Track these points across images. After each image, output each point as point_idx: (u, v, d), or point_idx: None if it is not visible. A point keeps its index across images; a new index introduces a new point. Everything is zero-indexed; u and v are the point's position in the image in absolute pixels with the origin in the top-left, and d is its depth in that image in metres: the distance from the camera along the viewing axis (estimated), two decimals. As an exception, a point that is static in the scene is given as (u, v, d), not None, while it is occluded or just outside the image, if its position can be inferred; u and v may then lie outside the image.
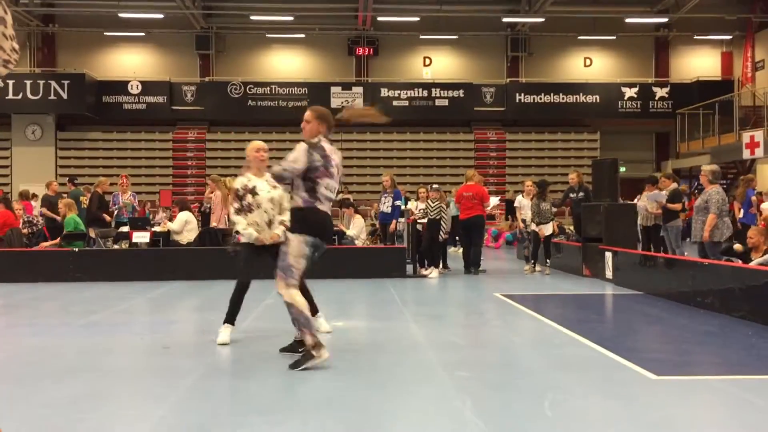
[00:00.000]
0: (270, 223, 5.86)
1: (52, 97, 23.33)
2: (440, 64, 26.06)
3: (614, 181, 11.37)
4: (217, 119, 25.08)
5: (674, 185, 11.85)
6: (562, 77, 25.82)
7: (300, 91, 24.50)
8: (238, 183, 5.95)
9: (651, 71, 26.38)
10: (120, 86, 24.38)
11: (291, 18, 24.59)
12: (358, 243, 12.85)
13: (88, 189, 15.27)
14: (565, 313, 8.00)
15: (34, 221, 13.82)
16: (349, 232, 12.90)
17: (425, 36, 25.67)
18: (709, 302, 7.51)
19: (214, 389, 4.51)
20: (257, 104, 24.47)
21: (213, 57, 25.67)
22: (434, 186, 12.15)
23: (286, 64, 25.94)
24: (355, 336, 6.38)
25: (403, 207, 12.38)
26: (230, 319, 5.96)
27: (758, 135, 18.33)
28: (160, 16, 24.25)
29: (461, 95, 24.76)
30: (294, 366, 4.87)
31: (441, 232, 11.61)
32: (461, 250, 12.97)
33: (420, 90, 24.76)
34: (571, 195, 12.64)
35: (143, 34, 25.23)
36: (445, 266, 12.31)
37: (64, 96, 23.35)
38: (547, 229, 11.93)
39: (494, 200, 15.28)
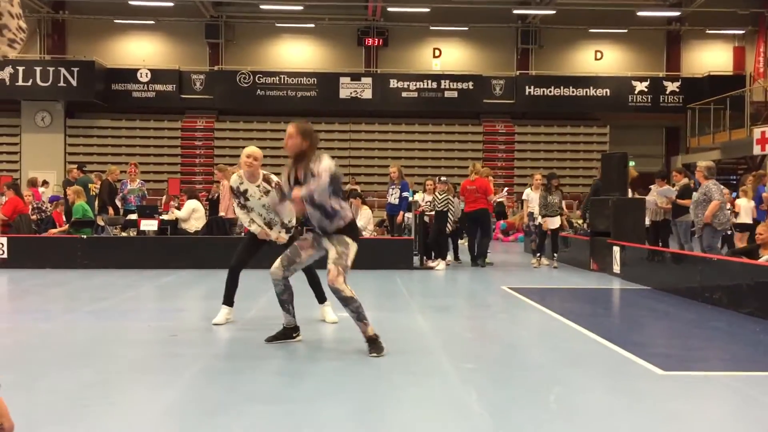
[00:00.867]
0: (269, 225, 6.13)
1: (61, 84, 23.39)
2: (450, 56, 25.94)
3: (623, 175, 11.30)
4: (226, 108, 25.07)
5: (685, 180, 11.74)
6: (572, 70, 25.68)
7: (309, 81, 24.45)
8: (233, 181, 6.19)
9: (662, 65, 26.20)
10: (129, 74, 24.41)
11: (301, 7, 24.52)
12: (366, 234, 12.83)
13: (99, 177, 15.33)
14: (572, 306, 7.98)
15: (43, 207, 13.88)
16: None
17: (435, 27, 25.55)
18: (717, 298, 7.48)
19: (219, 377, 4.53)
20: (266, 94, 24.43)
21: (222, 46, 25.64)
22: (442, 178, 12.13)
23: (296, 53, 25.89)
24: (362, 326, 6.38)
25: (410, 199, 12.36)
26: (227, 300, 6.25)
27: (769, 131, 18.19)
28: (170, 4, 24.23)
29: (470, 87, 24.64)
30: (375, 354, 4.98)
31: (448, 224, 11.61)
32: (467, 241, 12.97)
33: (429, 81, 24.66)
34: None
35: (153, 22, 25.22)
36: (456, 258, 12.31)
37: (74, 83, 23.40)
38: (554, 222, 11.81)
39: (503, 193, 15.24)
